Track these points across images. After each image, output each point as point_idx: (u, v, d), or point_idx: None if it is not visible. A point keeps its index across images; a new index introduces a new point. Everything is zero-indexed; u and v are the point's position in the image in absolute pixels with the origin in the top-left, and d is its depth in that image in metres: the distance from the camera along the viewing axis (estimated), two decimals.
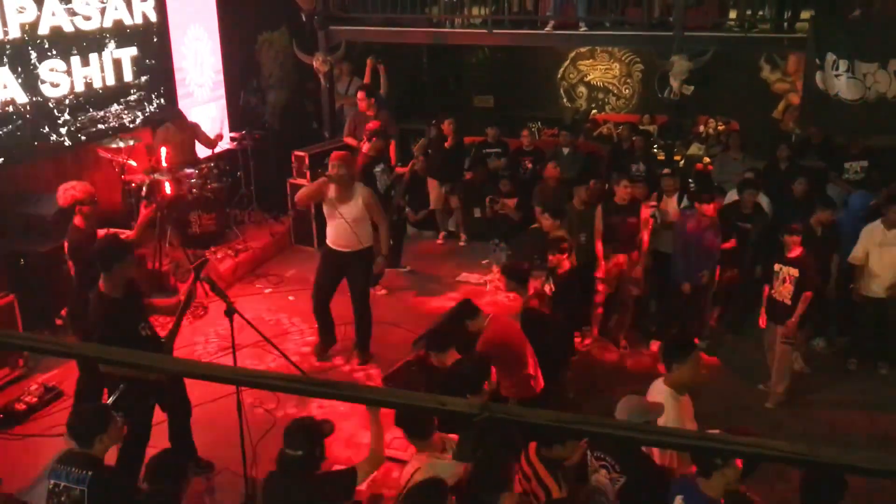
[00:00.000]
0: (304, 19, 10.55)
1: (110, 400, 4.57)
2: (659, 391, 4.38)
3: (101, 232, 5.90)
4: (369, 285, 7.20)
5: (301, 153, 9.37)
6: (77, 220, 5.87)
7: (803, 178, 7.74)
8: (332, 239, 6.82)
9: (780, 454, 1.82)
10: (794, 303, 6.26)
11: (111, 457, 4.41)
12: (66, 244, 5.92)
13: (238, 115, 10.39)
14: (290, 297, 8.34)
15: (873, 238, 6.75)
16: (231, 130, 9.84)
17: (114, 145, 8.10)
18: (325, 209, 6.76)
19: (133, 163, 8.25)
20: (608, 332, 7.60)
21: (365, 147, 8.17)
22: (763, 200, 7.61)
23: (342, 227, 6.65)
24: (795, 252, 6.30)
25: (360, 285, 6.96)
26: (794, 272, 6.27)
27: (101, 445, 4.04)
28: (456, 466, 4.06)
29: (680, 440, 2.06)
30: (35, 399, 6.25)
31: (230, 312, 4.98)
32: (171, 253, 8.30)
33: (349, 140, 9.30)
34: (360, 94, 9.24)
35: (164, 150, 8.28)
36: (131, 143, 8.17)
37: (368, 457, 4.14)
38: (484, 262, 9.13)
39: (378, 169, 8.15)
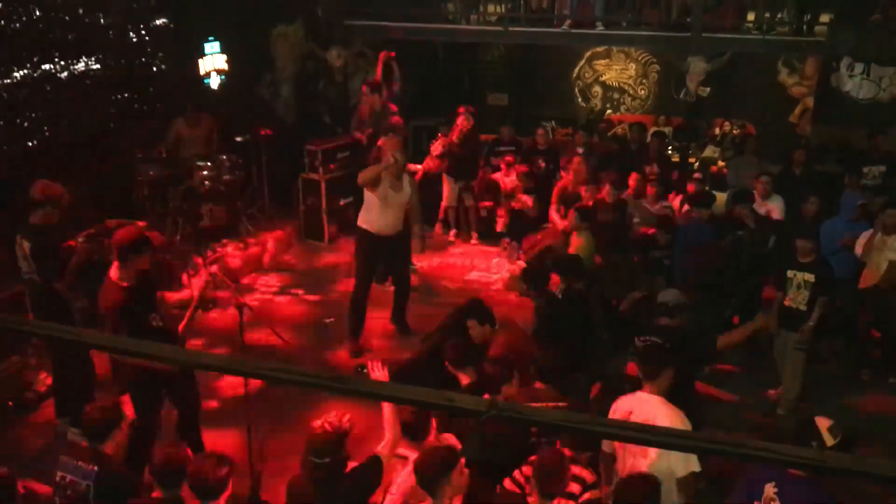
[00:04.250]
0: (319, 13, 10.55)
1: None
2: (663, 411, 4.09)
3: (113, 222, 5.89)
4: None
5: (313, 147, 9.37)
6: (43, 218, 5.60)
7: (815, 197, 7.35)
8: (381, 225, 6.85)
9: (789, 458, 1.80)
10: (810, 309, 6.17)
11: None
12: (32, 248, 5.57)
13: (251, 109, 10.40)
14: (300, 291, 8.36)
15: (873, 241, 6.72)
16: (244, 124, 9.85)
17: None
18: (379, 194, 6.74)
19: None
20: None
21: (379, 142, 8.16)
22: (777, 204, 7.54)
23: (393, 210, 6.82)
24: (810, 257, 6.23)
25: (404, 262, 7.57)
26: (809, 277, 6.20)
27: (112, 441, 4.06)
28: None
29: (686, 442, 2.05)
30: (45, 388, 6.28)
31: (239, 305, 5.00)
32: (182, 246, 8.33)
33: (357, 135, 9.30)
34: (363, 88, 9.26)
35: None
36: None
37: (386, 442, 4.12)
38: (495, 260, 9.10)
39: None
